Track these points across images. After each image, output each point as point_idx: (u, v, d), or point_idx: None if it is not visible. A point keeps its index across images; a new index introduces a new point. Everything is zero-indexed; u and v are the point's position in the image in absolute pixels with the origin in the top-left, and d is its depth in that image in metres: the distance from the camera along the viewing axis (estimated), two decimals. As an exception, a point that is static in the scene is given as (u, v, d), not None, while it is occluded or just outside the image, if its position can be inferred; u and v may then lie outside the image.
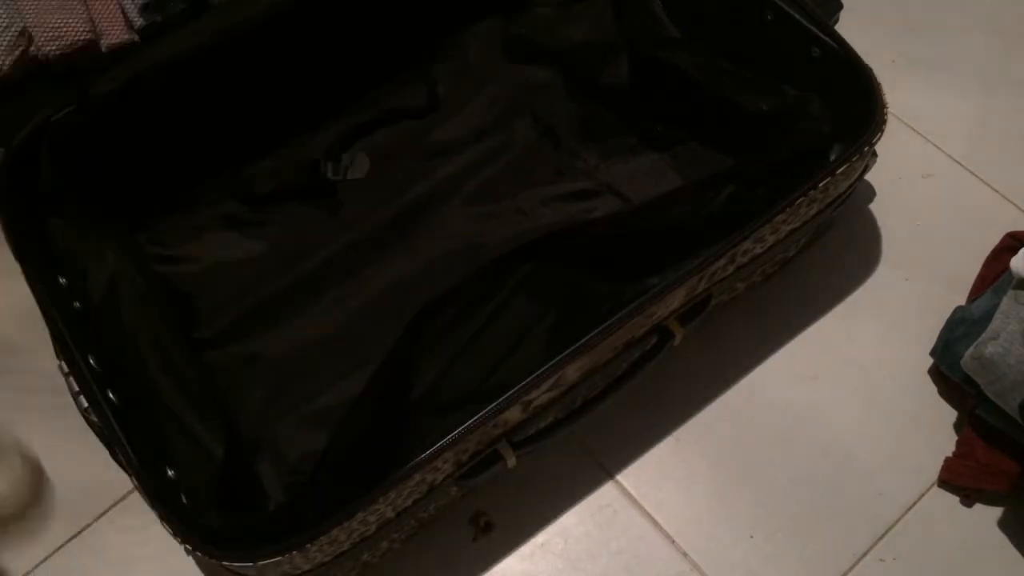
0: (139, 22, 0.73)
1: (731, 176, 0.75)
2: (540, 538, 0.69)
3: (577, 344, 0.59)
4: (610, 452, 0.72)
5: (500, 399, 0.57)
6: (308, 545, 0.53)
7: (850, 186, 0.71)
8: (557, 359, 0.59)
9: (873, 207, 0.81)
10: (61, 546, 0.69)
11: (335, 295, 0.76)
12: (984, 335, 0.66)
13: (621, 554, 0.68)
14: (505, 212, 0.78)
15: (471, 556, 0.68)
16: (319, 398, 0.71)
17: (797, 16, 0.72)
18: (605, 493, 0.71)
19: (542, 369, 0.58)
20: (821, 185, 0.65)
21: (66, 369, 0.58)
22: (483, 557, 0.68)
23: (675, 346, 0.67)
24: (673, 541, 0.69)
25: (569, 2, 0.83)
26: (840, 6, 0.82)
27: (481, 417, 0.57)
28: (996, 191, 0.83)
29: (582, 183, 0.77)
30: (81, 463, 0.68)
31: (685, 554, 0.68)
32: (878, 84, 0.68)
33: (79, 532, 0.69)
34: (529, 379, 0.58)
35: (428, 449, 0.56)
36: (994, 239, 0.76)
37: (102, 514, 0.70)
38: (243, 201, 0.79)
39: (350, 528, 0.55)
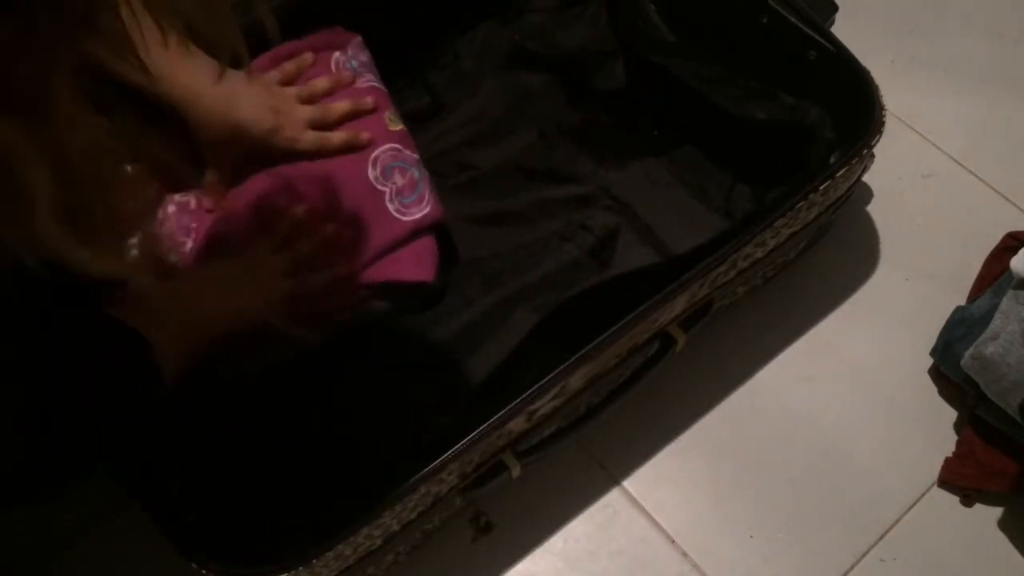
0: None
1: (730, 180, 0.76)
2: (540, 538, 0.69)
3: (581, 352, 0.59)
4: (611, 453, 0.72)
5: (504, 409, 0.57)
6: (314, 561, 0.53)
7: (849, 188, 0.71)
8: (561, 368, 0.58)
9: (873, 208, 0.81)
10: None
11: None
12: (984, 335, 0.67)
13: (621, 554, 0.69)
14: (502, 218, 0.77)
15: (471, 557, 0.68)
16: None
17: (792, 19, 0.71)
18: (605, 493, 0.71)
19: (546, 379, 0.58)
20: (821, 188, 0.65)
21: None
22: (483, 557, 0.68)
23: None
24: (673, 541, 0.69)
25: (564, 7, 0.82)
26: (835, 8, 0.82)
27: (485, 428, 0.57)
28: (996, 191, 0.82)
29: (579, 188, 0.77)
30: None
31: (685, 554, 0.69)
32: (875, 86, 0.68)
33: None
34: (533, 389, 0.58)
35: (433, 461, 0.56)
36: (994, 239, 0.76)
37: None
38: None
39: (356, 543, 0.56)
